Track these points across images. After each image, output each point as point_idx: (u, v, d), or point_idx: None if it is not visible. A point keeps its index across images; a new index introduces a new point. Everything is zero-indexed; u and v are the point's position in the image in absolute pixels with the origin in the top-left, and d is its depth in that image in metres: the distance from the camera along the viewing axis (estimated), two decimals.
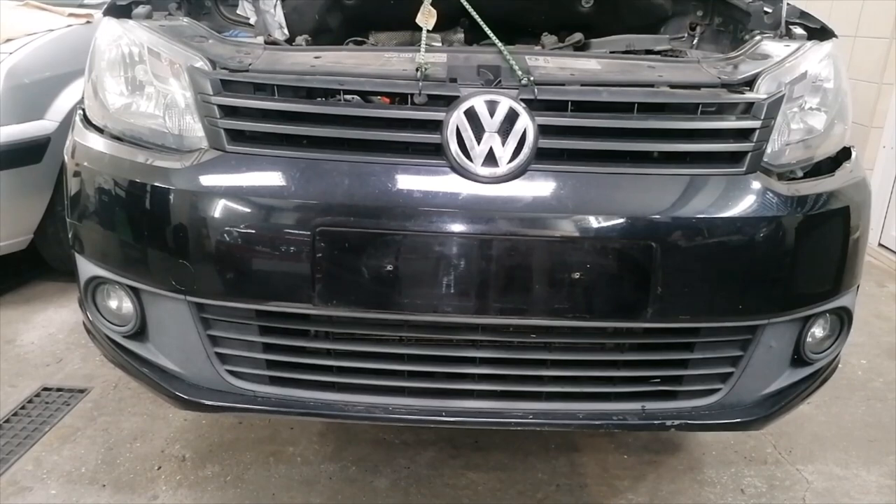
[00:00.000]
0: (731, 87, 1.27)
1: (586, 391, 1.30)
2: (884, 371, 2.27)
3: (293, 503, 1.60)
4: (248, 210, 1.17)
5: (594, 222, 1.15)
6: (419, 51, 1.26)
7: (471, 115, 1.15)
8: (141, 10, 1.46)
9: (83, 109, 1.42)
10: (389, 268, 1.15)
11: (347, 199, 1.15)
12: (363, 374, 1.29)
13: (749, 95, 1.25)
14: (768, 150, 1.24)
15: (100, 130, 1.35)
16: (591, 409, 1.30)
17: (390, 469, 1.71)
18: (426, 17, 1.36)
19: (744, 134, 1.23)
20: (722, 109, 1.25)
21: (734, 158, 1.23)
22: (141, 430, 1.81)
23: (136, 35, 1.33)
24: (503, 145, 1.15)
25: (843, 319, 1.38)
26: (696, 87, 1.27)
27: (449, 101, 1.17)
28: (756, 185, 1.21)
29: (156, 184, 1.20)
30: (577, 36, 1.81)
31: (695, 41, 1.83)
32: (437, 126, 1.16)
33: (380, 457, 1.75)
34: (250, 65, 1.25)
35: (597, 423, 1.30)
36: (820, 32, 1.48)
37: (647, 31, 1.86)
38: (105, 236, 1.29)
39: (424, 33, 1.31)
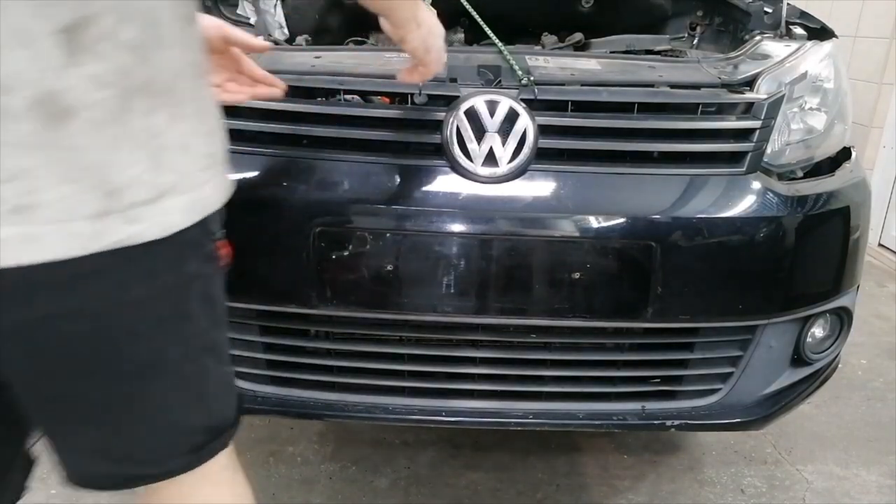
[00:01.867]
0: (731, 87, 1.27)
1: (586, 391, 1.30)
2: (884, 371, 2.27)
3: (293, 503, 1.60)
4: (247, 210, 1.17)
5: (594, 222, 1.15)
6: None
7: (471, 115, 1.15)
8: None
9: None
10: (389, 268, 1.15)
11: (347, 199, 1.15)
12: (363, 374, 1.29)
13: (749, 96, 1.25)
14: (768, 150, 1.24)
15: None
16: (591, 409, 1.30)
17: (390, 469, 1.71)
18: None
19: (744, 134, 1.23)
20: (722, 109, 1.25)
21: (734, 158, 1.23)
22: None
23: None
24: (503, 145, 1.15)
25: (842, 319, 1.38)
26: (697, 87, 1.26)
27: (449, 101, 1.17)
28: (756, 185, 1.21)
29: None
30: (577, 36, 1.81)
31: (695, 41, 1.83)
32: (437, 126, 1.16)
33: (380, 457, 1.75)
34: None
35: (597, 423, 1.30)
36: (820, 32, 1.48)
37: (647, 31, 1.86)
38: None
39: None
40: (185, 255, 0.69)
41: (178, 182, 0.64)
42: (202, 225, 0.69)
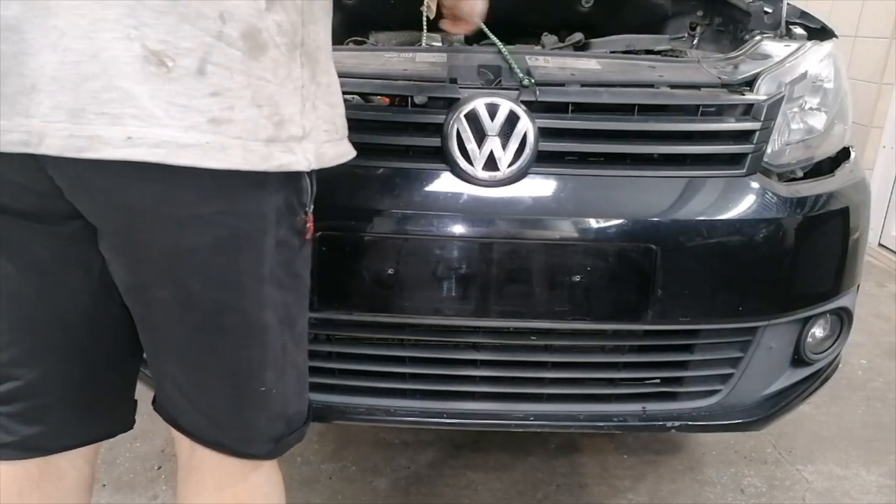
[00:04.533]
0: (731, 87, 1.26)
1: (587, 393, 1.30)
2: (884, 371, 2.27)
3: (293, 503, 1.60)
4: None
5: (594, 225, 1.15)
6: (420, 51, 1.26)
7: (471, 117, 1.15)
8: None
9: None
10: (390, 271, 1.15)
11: (347, 202, 1.15)
12: (365, 376, 1.29)
13: (749, 97, 1.25)
14: (768, 151, 1.24)
15: None
16: (591, 411, 1.30)
17: (390, 469, 1.71)
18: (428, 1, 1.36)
19: (744, 136, 1.23)
20: (722, 111, 1.25)
21: (734, 160, 1.22)
22: (141, 430, 1.79)
23: None
24: (504, 148, 1.14)
25: (843, 320, 1.38)
26: (697, 87, 1.26)
27: (449, 103, 1.17)
28: (756, 186, 1.21)
29: None
30: (577, 36, 1.81)
31: (695, 41, 1.82)
32: (437, 129, 1.16)
33: (380, 457, 1.75)
34: None
35: (598, 424, 1.30)
36: (820, 32, 1.48)
37: (647, 30, 1.86)
38: None
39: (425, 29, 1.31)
40: (279, 212, 0.77)
41: (311, 131, 0.75)
42: (297, 193, 0.80)
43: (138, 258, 0.74)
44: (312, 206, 0.84)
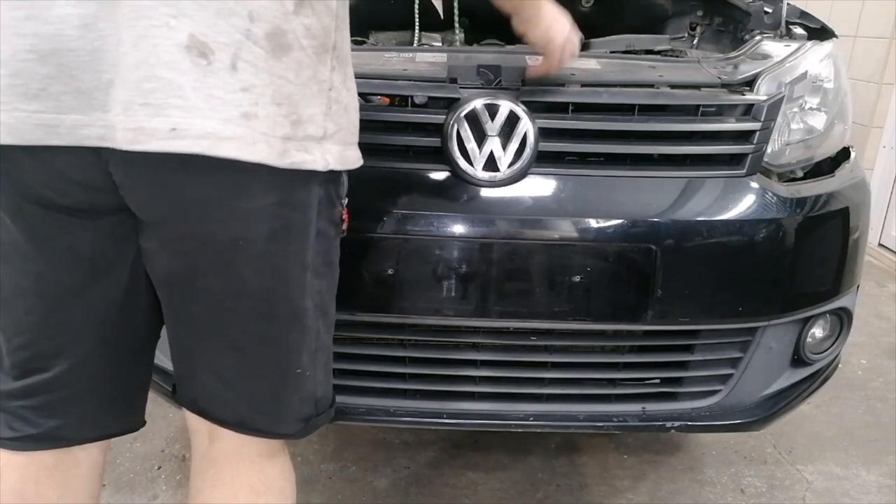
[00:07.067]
0: (731, 87, 1.27)
1: (587, 393, 1.31)
2: (884, 371, 2.27)
3: None
4: None
5: (594, 225, 1.15)
6: (420, 51, 1.25)
7: (471, 118, 1.15)
8: None
9: None
10: (390, 272, 1.15)
11: (347, 202, 1.15)
12: (364, 376, 1.29)
13: (749, 97, 1.25)
14: (768, 150, 1.24)
15: None
16: (591, 411, 1.30)
17: (390, 469, 1.71)
18: None
19: (744, 136, 1.23)
20: (722, 111, 1.25)
21: (734, 160, 1.22)
22: (141, 430, 1.79)
23: None
24: (504, 148, 1.15)
25: (842, 320, 1.39)
26: (697, 87, 1.26)
27: (449, 103, 1.17)
28: (756, 186, 1.21)
29: None
30: (577, 35, 1.81)
31: (695, 41, 1.82)
32: (437, 129, 1.16)
33: (380, 457, 1.75)
34: None
35: (597, 424, 1.30)
36: (820, 32, 1.48)
37: (647, 30, 1.86)
38: None
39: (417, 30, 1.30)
40: (321, 203, 0.80)
41: (336, 133, 0.77)
42: (336, 186, 0.82)
43: (193, 249, 0.76)
44: (347, 199, 0.87)
